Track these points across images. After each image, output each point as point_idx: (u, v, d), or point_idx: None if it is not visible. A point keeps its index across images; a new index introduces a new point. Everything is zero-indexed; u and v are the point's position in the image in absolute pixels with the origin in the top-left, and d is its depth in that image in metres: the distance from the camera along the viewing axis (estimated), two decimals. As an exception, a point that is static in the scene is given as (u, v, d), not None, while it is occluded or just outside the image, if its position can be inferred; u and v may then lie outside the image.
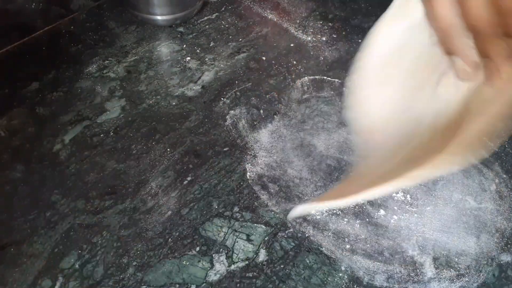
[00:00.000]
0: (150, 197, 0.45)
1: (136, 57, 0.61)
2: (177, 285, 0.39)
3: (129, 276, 0.39)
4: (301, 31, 0.65)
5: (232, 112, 0.54)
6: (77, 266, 0.40)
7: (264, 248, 0.41)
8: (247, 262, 0.40)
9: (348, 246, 0.43)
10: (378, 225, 0.44)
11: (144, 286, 0.39)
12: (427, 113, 0.33)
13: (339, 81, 0.57)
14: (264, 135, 0.51)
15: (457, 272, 0.42)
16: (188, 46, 0.63)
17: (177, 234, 0.42)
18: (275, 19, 0.68)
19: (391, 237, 0.44)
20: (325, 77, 0.58)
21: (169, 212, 0.44)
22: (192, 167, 0.48)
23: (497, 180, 0.49)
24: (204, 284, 0.39)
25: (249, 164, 0.48)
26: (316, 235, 0.43)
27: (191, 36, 0.65)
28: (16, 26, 0.61)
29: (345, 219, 0.45)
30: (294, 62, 0.60)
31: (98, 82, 0.57)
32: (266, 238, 0.42)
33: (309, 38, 0.64)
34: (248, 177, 0.47)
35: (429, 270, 0.41)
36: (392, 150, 0.33)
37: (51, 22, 0.65)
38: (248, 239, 0.42)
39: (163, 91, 0.56)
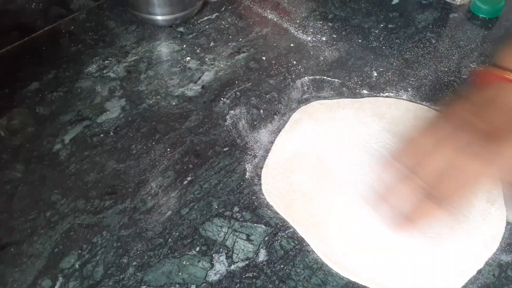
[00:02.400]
0: (150, 197, 0.45)
1: (136, 57, 0.61)
2: (177, 285, 0.39)
3: (129, 276, 0.39)
4: (301, 31, 0.65)
5: (232, 112, 0.54)
6: (77, 266, 0.40)
7: (264, 248, 0.41)
8: (247, 262, 0.40)
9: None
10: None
11: (144, 286, 0.39)
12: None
13: (339, 81, 0.57)
14: (264, 135, 0.51)
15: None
16: (188, 46, 0.63)
17: (177, 234, 0.42)
18: (275, 19, 0.68)
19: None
20: (325, 77, 0.58)
21: (169, 212, 0.44)
22: (192, 167, 0.48)
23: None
24: (204, 284, 0.39)
25: (249, 164, 0.48)
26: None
27: (191, 36, 0.65)
28: (16, 26, 0.61)
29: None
30: (294, 62, 0.60)
31: (98, 82, 0.57)
32: (266, 238, 0.42)
33: (309, 38, 0.64)
34: (248, 177, 0.47)
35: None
36: None
37: (51, 22, 0.65)
38: (248, 239, 0.42)
39: (163, 91, 0.57)
